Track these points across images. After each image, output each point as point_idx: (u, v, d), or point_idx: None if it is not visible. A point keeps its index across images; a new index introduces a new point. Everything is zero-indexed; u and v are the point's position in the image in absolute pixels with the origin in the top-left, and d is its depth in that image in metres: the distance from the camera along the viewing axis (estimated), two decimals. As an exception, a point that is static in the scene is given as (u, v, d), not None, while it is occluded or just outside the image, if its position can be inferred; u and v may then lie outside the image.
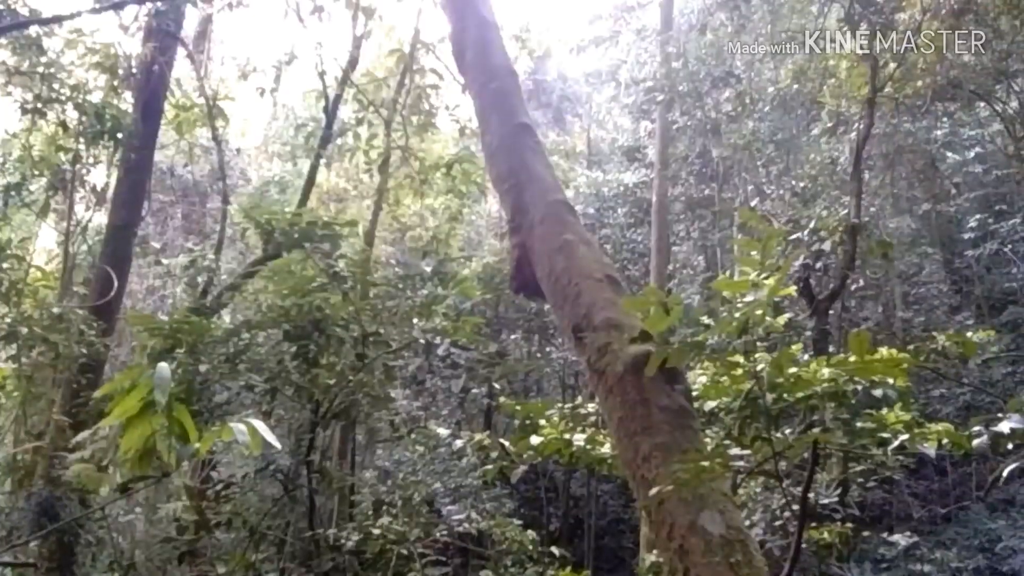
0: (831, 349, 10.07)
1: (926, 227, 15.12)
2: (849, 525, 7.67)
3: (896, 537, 8.37)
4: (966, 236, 13.78)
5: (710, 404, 5.02)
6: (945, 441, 4.91)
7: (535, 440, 5.77)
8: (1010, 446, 4.82)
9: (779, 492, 6.37)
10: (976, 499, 10.72)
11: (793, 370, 4.79)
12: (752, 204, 12.57)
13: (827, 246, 10.32)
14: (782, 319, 5.61)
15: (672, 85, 13.17)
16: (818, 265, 10.37)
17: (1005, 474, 4.00)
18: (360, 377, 8.56)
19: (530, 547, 9.77)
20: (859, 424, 4.54)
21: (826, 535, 7.22)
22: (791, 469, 6.76)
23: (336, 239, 7.97)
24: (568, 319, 4.38)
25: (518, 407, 6.39)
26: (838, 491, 7.86)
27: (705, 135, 14.21)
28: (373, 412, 9.63)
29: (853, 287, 11.85)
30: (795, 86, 12.79)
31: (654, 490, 3.12)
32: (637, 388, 3.66)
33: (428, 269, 9.77)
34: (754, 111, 13.63)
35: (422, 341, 9.58)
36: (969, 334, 6.87)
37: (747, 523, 6.82)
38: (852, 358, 4.76)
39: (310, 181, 12.37)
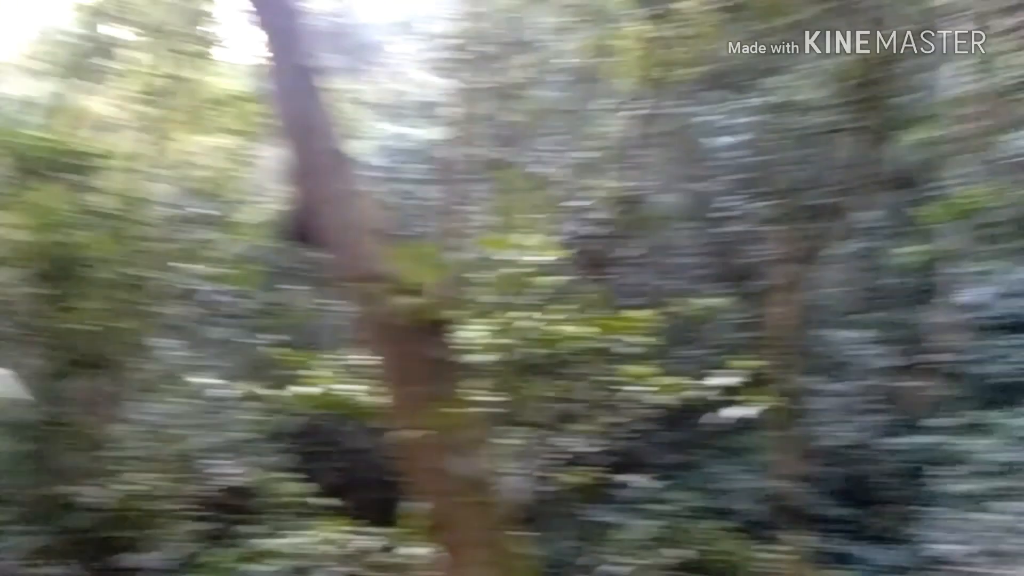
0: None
1: (690, 204, 16.64)
2: (600, 470, 8.42)
3: (639, 481, 9.34)
4: (724, 215, 15.37)
5: (479, 357, 5.27)
6: (687, 394, 5.57)
7: (309, 391, 5.74)
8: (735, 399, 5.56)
9: (539, 440, 6.83)
10: (710, 447, 12.20)
11: (556, 328, 5.17)
12: (538, 170, 13.14)
13: (603, 215, 11.08)
14: (553, 280, 5.99)
15: (467, 45, 13.33)
16: (594, 233, 11.11)
17: (718, 422, 4.61)
18: (119, 323, 7.98)
19: (304, 501, 9.69)
20: (607, 377, 5.03)
21: (578, 479, 7.88)
22: (555, 421, 7.29)
23: (91, 170, 7.29)
24: (342, 269, 4.40)
25: (293, 358, 6.30)
26: (593, 439, 8.58)
27: (499, 99, 14.54)
28: (134, 361, 9.01)
29: (624, 255, 12.82)
30: (583, 60, 13.42)
31: (410, 435, 3.27)
32: (404, 339, 3.78)
33: (204, 211, 9.25)
34: (545, 80, 14.15)
35: (194, 287, 9.11)
36: (713, 301, 7.79)
37: (512, 469, 7.24)
38: (607, 320, 5.20)
39: (68, 104, 11.15)
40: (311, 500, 9.58)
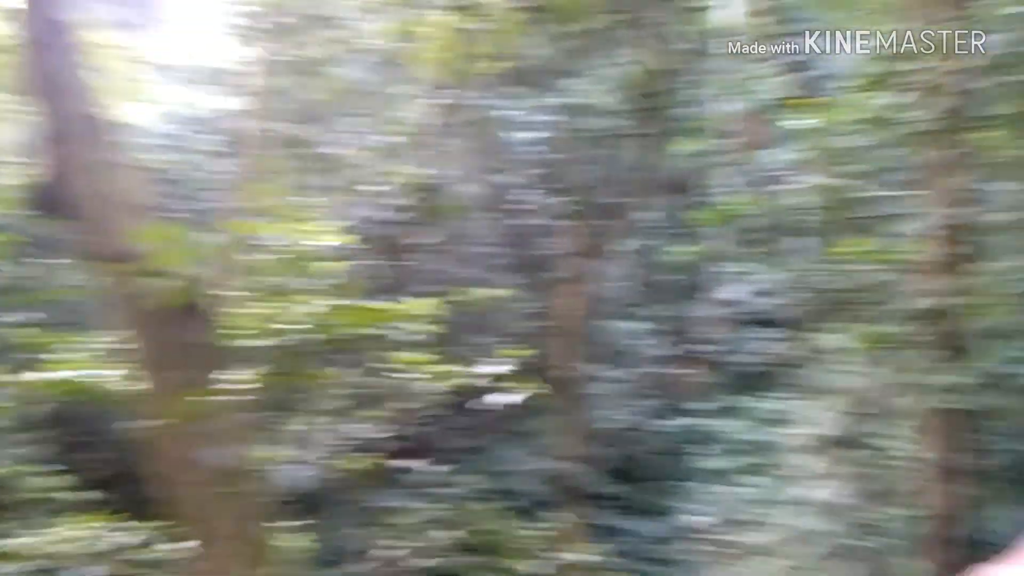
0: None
1: (487, 195, 17.06)
2: (386, 456, 8.46)
3: (428, 466, 9.52)
4: (519, 208, 15.93)
5: (250, 342, 5.09)
6: (460, 381, 5.71)
7: (52, 377, 5.25)
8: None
9: (321, 427, 6.75)
10: (497, 431, 12.67)
11: (334, 314, 5.12)
12: (335, 151, 12.86)
13: (400, 201, 11.07)
14: (336, 265, 5.91)
15: (267, 14, 12.74)
16: (390, 218, 11.08)
17: (486, 407, 4.80)
18: None
19: (63, 495, 8.85)
20: (383, 364, 5.06)
21: (362, 465, 7.86)
22: (338, 407, 7.22)
23: None
24: (96, 246, 4.07)
25: (42, 340, 5.75)
26: (379, 425, 8.60)
27: (297, 73, 14.02)
28: None
29: (420, 242, 12.91)
30: (387, 43, 13.28)
31: (158, 423, 3.10)
32: (156, 322, 3.57)
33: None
34: (347, 60, 13.85)
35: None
36: (500, 290, 8.05)
37: (291, 457, 7.08)
38: (388, 307, 5.23)
39: None
40: (68, 494, 8.77)
